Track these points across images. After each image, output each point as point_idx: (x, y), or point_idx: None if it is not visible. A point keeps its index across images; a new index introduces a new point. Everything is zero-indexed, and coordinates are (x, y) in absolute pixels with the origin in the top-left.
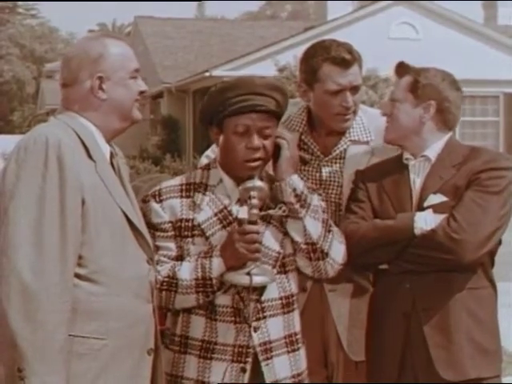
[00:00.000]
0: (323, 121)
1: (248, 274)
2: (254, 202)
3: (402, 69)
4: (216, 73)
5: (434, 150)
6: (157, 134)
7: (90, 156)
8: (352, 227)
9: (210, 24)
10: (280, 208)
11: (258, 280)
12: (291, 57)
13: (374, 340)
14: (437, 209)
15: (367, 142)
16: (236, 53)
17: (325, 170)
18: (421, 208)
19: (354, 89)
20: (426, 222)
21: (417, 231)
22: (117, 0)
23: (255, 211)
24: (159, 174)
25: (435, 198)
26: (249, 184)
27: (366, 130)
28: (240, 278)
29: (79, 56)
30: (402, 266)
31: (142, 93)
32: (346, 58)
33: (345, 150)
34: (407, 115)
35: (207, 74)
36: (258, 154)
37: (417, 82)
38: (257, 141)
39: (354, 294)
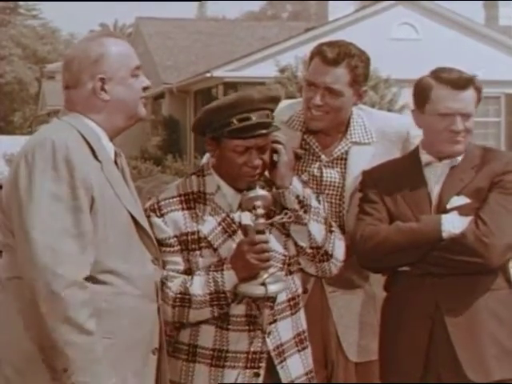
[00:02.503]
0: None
1: (262, 284)
2: (260, 211)
3: (465, 81)
4: (217, 73)
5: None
6: (158, 135)
7: (95, 157)
8: (370, 230)
9: (211, 24)
10: (286, 214)
11: (273, 289)
12: (292, 57)
13: (394, 341)
14: (460, 211)
15: (368, 144)
16: (237, 53)
17: (326, 171)
18: (441, 210)
19: (328, 90)
20: (453, 225)
21: (445, 234)
22: (118, 0)
23: (261, 220)
24: (161, 175)
25: (458, 200)
26: (252, 194)
27: (368, 131)
28: (255, 288)
29: (79, 58)
30: (424, 268)
31: (145, 89)
32: (327, 55)
33: (346, 151)
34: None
35: (208, 74)
36: (258, 170)
37: (479, 96)
38: (257, 161)
39: (354, 296)
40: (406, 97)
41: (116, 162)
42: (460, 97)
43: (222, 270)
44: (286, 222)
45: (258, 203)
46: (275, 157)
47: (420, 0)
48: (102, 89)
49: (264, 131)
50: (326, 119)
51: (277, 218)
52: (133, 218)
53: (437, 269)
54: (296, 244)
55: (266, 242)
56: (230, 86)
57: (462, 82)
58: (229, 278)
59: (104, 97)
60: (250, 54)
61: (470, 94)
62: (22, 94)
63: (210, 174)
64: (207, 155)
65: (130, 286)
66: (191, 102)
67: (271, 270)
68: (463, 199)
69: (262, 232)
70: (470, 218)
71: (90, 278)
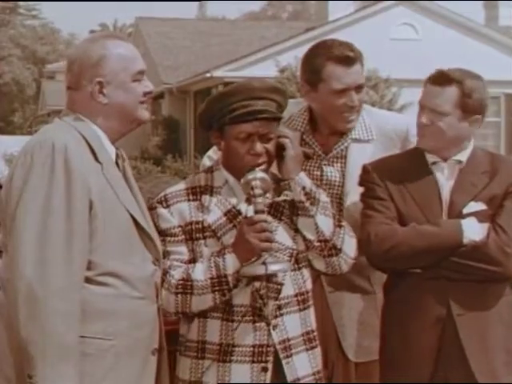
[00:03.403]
0: (327, 121)
1: (263, 263)
2: (257, 191)
3: (443, 78)
4: (217, 73)
5: (465, 154)
6: (158, 135)
7: (96, 158)
8: (385, 230)
9: (211, 24)
10: (286, 195)
11: (273, 268)
12: (292, 57)
13: (402, 342)
14: (476, 217)
15: (368, 141)
16: (237, 53)
17: (326, 170)
18: (452, 213)
19: (359, 87)
20: (473, 231)
21: (466, 241)
22: (118, 0)
23: (259, 200)
24: (160, 175)
25: (475, 206)
26: (250, 176)
27: (368, 128)
28: (256, 268)
29: (80, 59)
30: (438, 272)
31: (147, 94)
32: (349, 55)
33: (346, 148)
34: (453, 129)
35: (208, 74)
36: (262, 159)
37: (465, 96)
38: (260, 147)
39: (354, 296)
40: (406, 96)
41: (117, 164)
42: None
43: (224, 254)
44: (284, 199)
45: (256, 183)
46: (285, 153)
47: (420, 0)
48: (100, 92)
49: (265, 115)
50: (356, 118)
51: (277, 198)
52: (134, 219)
53: (452, 274)
54: (305, 238)
55: (266, 221)
56: None
57: None
58: (230, 261)
59: (102, 100)
60: (250, 54)
61: None
62: (21, 95)
63: (218, 170)
64: (208, 155)
65: (130, 288)
66: (191, 102)
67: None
68: (480, 205)
69: (261, 212)
70: (487, 225)
71: (91, 280)
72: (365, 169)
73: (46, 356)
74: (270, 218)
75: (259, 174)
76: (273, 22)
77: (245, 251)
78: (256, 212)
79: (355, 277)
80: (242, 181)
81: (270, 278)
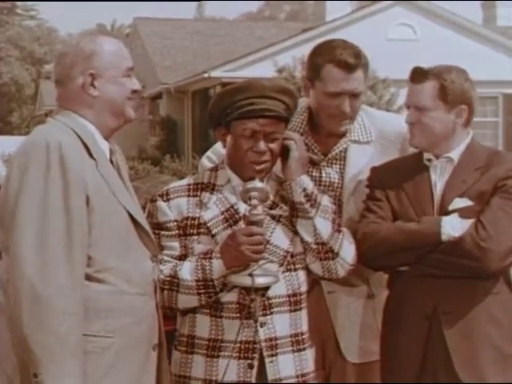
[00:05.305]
0: (319, 120)
1: (250, 274)
2: (254, 202)
3: (420, 74)
4: (215, 74)
5: (457, 152)
6: (156, 135)
7: (90, 155)
8: (372, 228)
9: (208, 25)
10: (281, 208)
11: (260, 281)
12: (290, 58)
13: (393, 341)
14: (461, 213)
15: (367, 143)
16: (235, 53)
17: (325, 171)
18: (443, 210)
19: (354, 95)
20: (452, 227)
21: (444, 237)
22: (116, 0)
23: (255, 212)
24: (159, 175)
25: (460, 202)
26: (249, 185)
27: (367, 130)
28: (242, 279)
29: (72, 52)
30: (423, 270)
31: (134, 92)
32: (349, 62)
33: (345, 149)
34: (440, 122)
35: (206, 74)
36: (265, 157)
37: (445, 88)
38: (263, 145)
39: (352, 297)
40: (404, 97)
41: (111, 160)
42: None
43: (211, 258)
44: (279, 214)
45: (254, 194)
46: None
47: (418, 0)
48: (92, 84)
49: (272, 113)
50: (349, 123)
51: (273, 211)
52: (130, 216)
53: (435, 270)
54: (302, 240)
55: (262, 234)
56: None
57: None
58: (217, 266)
59: (92, 92)
60: (248, 55)
61: None
62: (19, 95)
63: (222, 168)
64: (207, 155)
65: (128, 285)
66: (189, 103)
67: (260, 262)
68: (465, 201)
69: (256, 223)
70: (470, 221)
71: (90, 277)
72: (370, 171)
73: (51, 354)
74: (271, 227)
75: (258, 184)
76: (271, 23)
77: (233, 259)
78: (252, 223)
79: (354, 278)
80: (241, 188)
81: (256, 289)
